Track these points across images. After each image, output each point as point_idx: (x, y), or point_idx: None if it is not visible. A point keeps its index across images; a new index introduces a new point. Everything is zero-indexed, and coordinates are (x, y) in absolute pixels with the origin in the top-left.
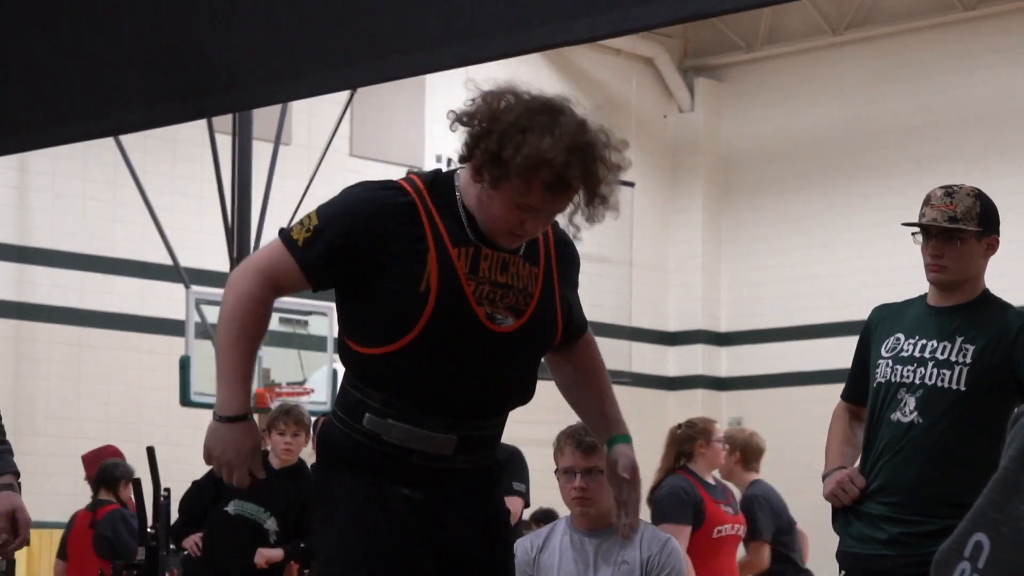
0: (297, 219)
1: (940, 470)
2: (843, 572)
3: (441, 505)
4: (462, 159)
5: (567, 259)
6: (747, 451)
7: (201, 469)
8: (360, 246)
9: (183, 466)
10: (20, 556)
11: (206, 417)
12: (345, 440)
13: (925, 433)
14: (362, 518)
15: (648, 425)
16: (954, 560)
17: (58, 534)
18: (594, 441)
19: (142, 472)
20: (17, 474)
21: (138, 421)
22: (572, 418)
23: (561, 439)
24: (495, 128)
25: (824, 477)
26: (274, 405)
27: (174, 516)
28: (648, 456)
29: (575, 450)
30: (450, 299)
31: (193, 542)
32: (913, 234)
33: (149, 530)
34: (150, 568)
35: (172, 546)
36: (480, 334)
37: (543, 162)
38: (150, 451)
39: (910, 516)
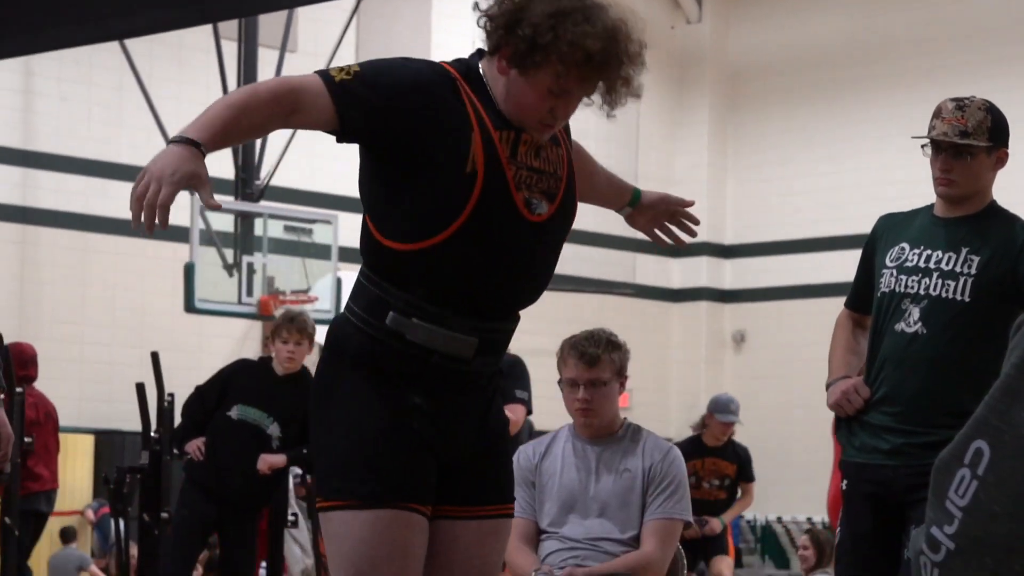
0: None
1: (944, 380)
2: (846, 482)
3: (447, 414)
4: (492, 50)
5: (569, 133)
6: None
7: (204, 374)
8: (403, 107)
9: (187, 372)
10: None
11: (210, 323)
12: (362, 339)
13: (929, 343)
14: (366, 422)
15: (651, 337)
16: (954, 466)
17: (64, 437)
18: (597, 352)
19: (146, 377)
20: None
21: (142, 327)
22: (572, 329)
23: (565, 349)
24: (527, 16)
25: (828, 386)
26: (278, 312)
27: (177, 421)
28: (651, 370)
29: (578, 362)
30: (494, 183)
31: (196, 447)
32: (923, 147)
33: (152, 435)
34: (153, 472)
35: (175, 450)
36: (518, 224)
37: (583, 46)
38: (154, 356)
39: (913, 426)
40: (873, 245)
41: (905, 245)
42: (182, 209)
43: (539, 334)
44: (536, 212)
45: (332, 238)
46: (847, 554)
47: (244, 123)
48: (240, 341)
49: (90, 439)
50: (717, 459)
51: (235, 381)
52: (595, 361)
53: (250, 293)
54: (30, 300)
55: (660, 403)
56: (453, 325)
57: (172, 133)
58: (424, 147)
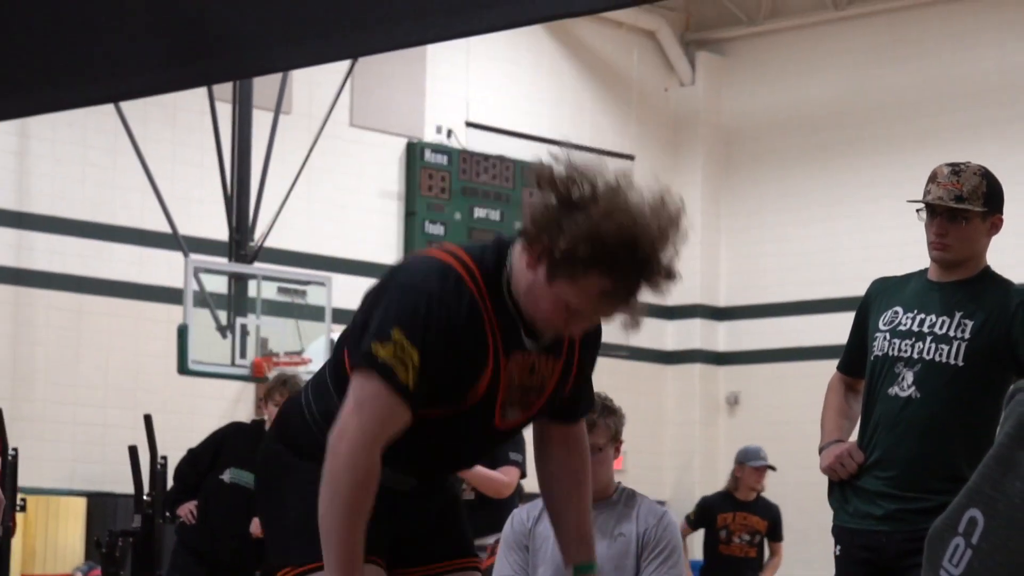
0: (381, 339)
1: (937, 445)
2: (839, 547)
3: (399, 495)
4: (524, 235)
5: (593, 343)
6: None
7: (197, 437)
8: (440, 352)
9: (180, 434)
10: (18, 522)
11: (203, 385)
12: (312, 439)
13: (922, 408)
14: (316, 491)
15: (645, 399)
16: (948, 535)
17: (56, 500)
18: (592, 418)
19: (139, 439)
20: None
21: (136, 389)
22: None
23: None
24: (563, 223)
25: (821, 450)
26: (271, 375)
27: (170, 484)
28: (645, 432)
29: None
30: (484, 406)
31: (188, 510)
32: (918, 211)
33: (145, 497)
34: (145, 536)
35: (167, 514)
36: (487, 429)
37: (601, 280)
38: (147, 419)
39: (906, 491)
40: (866, 309)
41: (899, 309)
42: (175, 271)
43: None
44: (506, 420)
45: (326, 300)
46: None
47: (366, 512)
48: (233, 403)
49: (82, 501)
50: (748, 514)
51: (228, 444)
52: (591, 427)
53: (243, 355)
54: (23, 361)
55: (654, 466)
56: (397, 468)
57: (166, 194)
58: (439, 373)
